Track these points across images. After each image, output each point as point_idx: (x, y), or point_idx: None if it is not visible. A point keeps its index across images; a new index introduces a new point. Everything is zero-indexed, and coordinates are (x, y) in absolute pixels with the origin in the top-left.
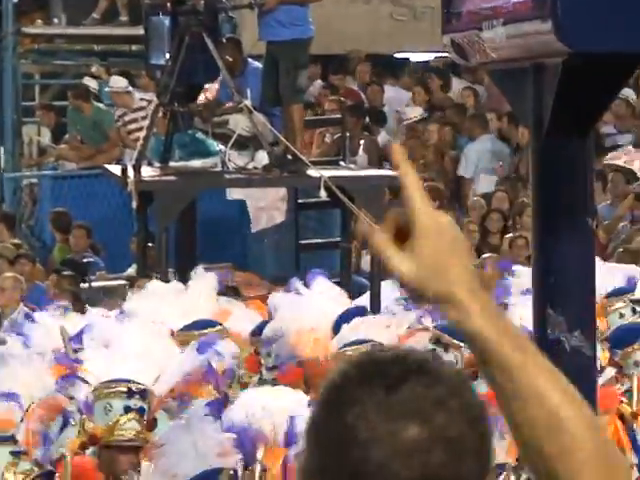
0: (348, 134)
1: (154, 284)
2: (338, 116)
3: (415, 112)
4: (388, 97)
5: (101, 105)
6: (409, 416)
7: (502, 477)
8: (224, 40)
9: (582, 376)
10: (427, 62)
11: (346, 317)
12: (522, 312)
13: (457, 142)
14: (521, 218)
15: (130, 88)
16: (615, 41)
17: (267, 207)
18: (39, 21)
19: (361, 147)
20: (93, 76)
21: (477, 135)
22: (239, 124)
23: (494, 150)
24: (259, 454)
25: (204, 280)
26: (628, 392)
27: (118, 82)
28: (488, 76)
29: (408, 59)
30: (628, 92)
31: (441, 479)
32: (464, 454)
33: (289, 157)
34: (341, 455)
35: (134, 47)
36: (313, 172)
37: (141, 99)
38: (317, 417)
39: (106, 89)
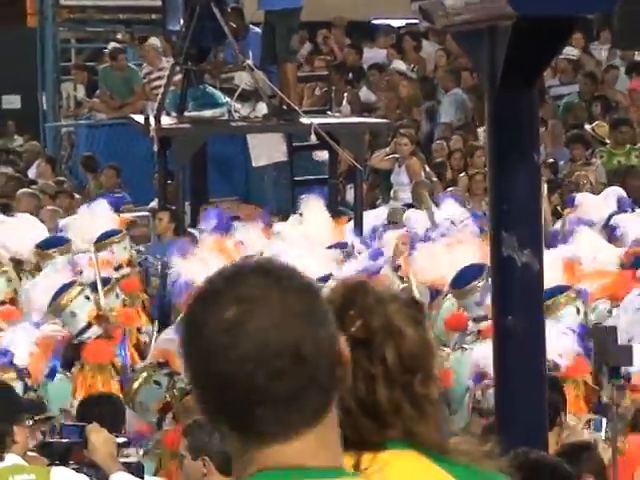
0: (334, 88)
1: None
2: (325, 73)
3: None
4: (366, 57)
5: (131, 65)
6: (227, 301)
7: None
8: (229, 9)
9: (530, 289)
10: (400, 27)
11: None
12: None
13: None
14: (472, 158)
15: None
16: (555, 7)
17: (267, 147)
18: None
19: (345, 99)
20: (118, 41)
21: (450, 89)
22: (242, 80)
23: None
24: None
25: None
26: None
27: (154, 42)
28: (451, 37)
29: (384, 24)
30: (570, 50)
31: (268, 343)
32: (286, 317)
33: (284, 107)
34: (189, 345)
35: (154, 16)
36: (305, 120)
37: (167, 61)
38: (180, 322)
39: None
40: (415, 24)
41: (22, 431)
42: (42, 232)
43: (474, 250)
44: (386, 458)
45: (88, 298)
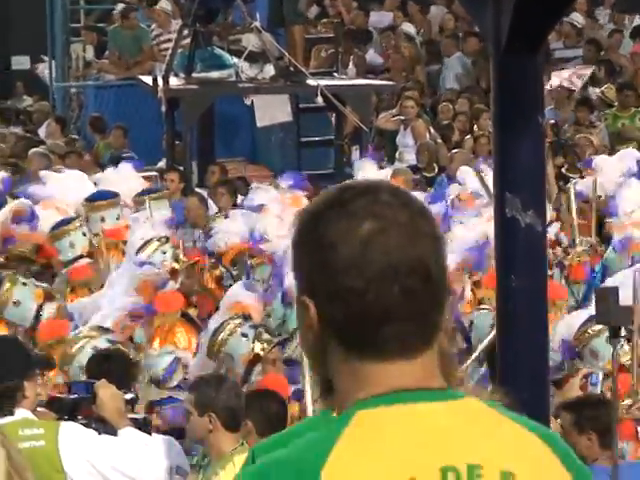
0: (340, 50)
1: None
2: (332, 35)
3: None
4: (373, 20)
5: (142, 25)
6: (362, 216)
7: None
8: None
9: (534, 249)
10: None
11: None
12: None
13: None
14: (478, 121)
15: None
16: None
17: (272, 108)
18: None
19: (351, 61)
20: (127, 3)
21: (452, 53)
22: (250, 42)
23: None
24: None
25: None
26: None
27: (164, 5)
28: (458, 1)
29: None
30: (575, 16)
31: (402, 261)
32: (416, 236)
33: (291, 69)
34: (316, 255)
35: None
36: (311, 82)
37: (176, 23)
38: (298, 233)
39: (155, 7)
40: None
41: (32, 386)
42: (89, 186)
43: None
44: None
45: (164, 253)
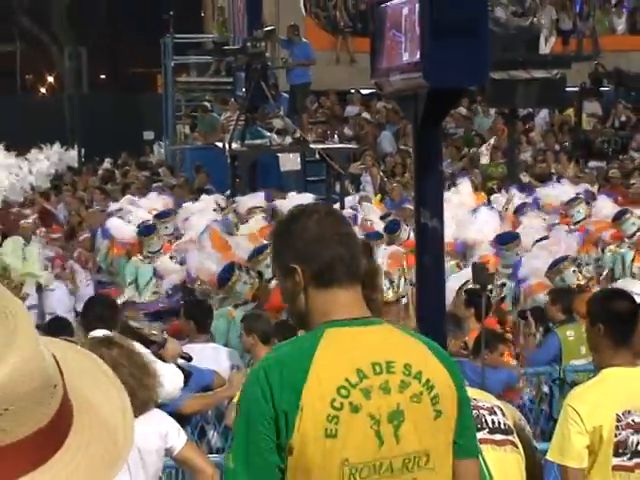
0: (329, 128)
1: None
2: (324, 119)
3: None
4: (348, 110)
5: (214, 114)
6: (311, 223)
7: None
8: (270, 84)
9: (436, 241)
10: (366, 94)
11: None
12: None
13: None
14: (405, 167)
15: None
16: (450, 81)
17: (290, 161)
18: (184, 75)
19: (335, 134)
20: (209, 101)
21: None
22: (277, 123)
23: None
24: None
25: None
26: None
27: (231, 104)
28: (394, 99)
29: (357, 92)
30: (460, 109)
31: (335, 234)
32: (339, 228)
33: (301, 139)
34: (295, 241)
35: (229, 87)
36: (312, 146)
37: (236, 112)
38: (281, 230)
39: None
40: (374, 92)
41: None
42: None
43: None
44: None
45: None
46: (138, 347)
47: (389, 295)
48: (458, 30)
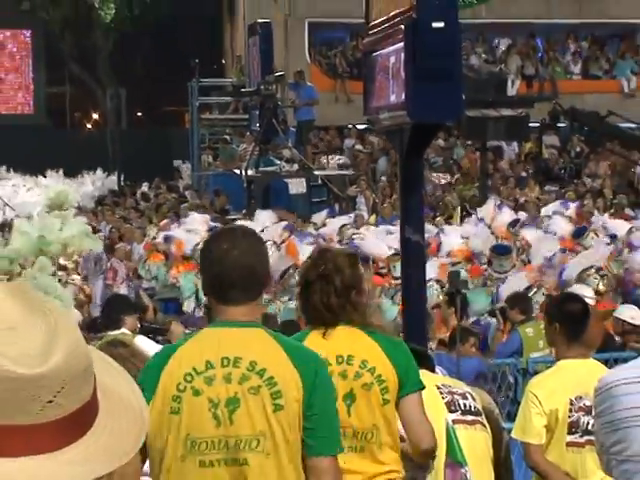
0: (329, 156)
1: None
2: (326, 150)
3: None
4: (345, 142)
5: (233, 145)
6: (227, 242)
7: None
8: (280, 120)
9: (418, 253)
10: (361, 129)
11: None
12: None
13: None
14: (393, 190)
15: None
16: (429, 118)
17: (297, 185)
18: (207, 112)
19: (335, 161)
20: (229, 134)
21: (382, 156)
22: (286, 153)
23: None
24: None
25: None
26: None
27: (248, 135)
28: (383, 133)
29: (354, 127)
30: (439, 141)
31: (246, 266)
32: (248, 251)
33: (306, 167)
34: (204, 261)
35: (245, 123)
36: (316, 172)
37: (251, 144)
38: (202, 247)
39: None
40: (368, 127)
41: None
42: None
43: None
44: (338, 329)
45: None
46: (142, 346)
47: (439, 298)
48: (436, 75)
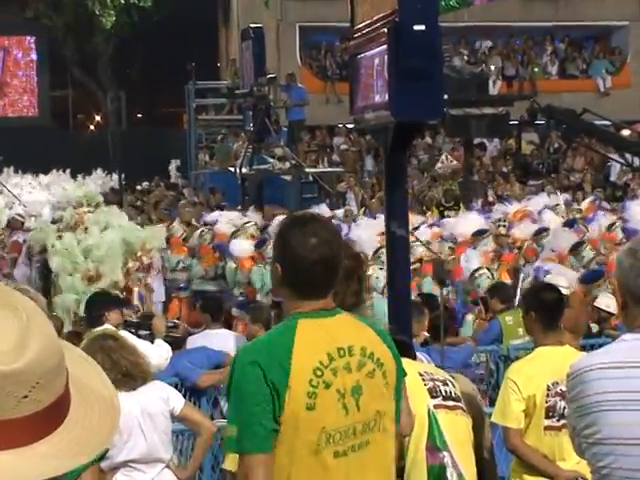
0: (319, 155)
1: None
2: (316, 149)
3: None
4: (335, 140)
5: (229, 144)
6: (313, 235)
7: None
8: (273, 120)
9: (403, 246)
10: (350, 128)
11: None
12: None
13: None
14: (381, 186)
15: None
16: (413, 116)
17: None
18: (204, 113)
19: (325, 160)
20: (224, 134)
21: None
22: (278, 152)
23: None
24: None
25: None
26: None
27: (241, 137)
28: (367, 131)
29: (343, 126)
30: (427, 139)
31: (331, 258)
32: (330, 245)
33: (297, 164)
34: (285, 253)
35: (240, 123)
36: (307, 169)
37: (245, 142)
38: (277, 235)
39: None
40: (354, 127)
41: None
42: None
43: None
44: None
45: None
46: (128, 337)
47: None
48: (418, 76)
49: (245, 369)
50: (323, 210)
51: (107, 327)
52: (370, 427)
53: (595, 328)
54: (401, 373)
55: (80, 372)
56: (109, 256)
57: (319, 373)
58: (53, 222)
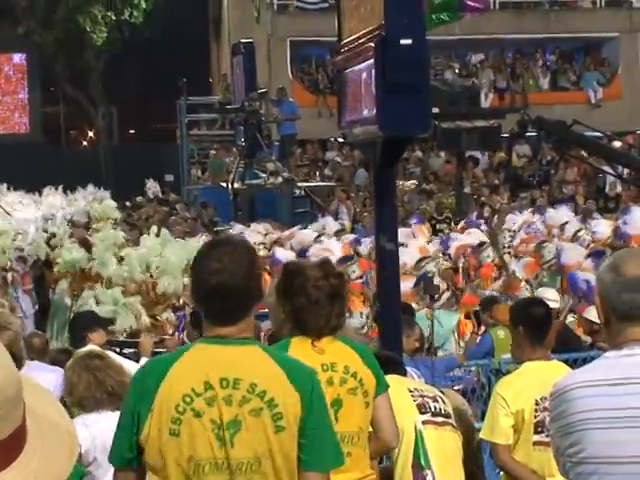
0: (312, 170)
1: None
2: (308, 163)
3: None
4: (327, 155)
5: (222, 159)
6: (216, 260)
7: None
8: (264, 134)
9: (393, 260)
10: (341, 142)
11: None
12: None
13: None
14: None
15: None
16: (401, 131)
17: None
18: (196, 129)
19: (317, 174)
20: (216, 149)
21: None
22: (270, 166)
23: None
24: None
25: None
26: None
27: (233, 152)
28: (355, 146)
29: (335, 140)
30: (417, 153)
31: (232, 286)
32: (247, 277)
33: (289, 179)
34: (192, 276)
35: (231, 138)
36: (299, 184)
37: (237, 157)
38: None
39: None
40: (345, 141)
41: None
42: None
43: None
44: (324, 340)
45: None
46: (113, 357)
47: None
48: (405, 89)
49: (130, 383)
50: (330, 224)
51: (92, 347)
52: (248, 468)
53: (587, 339)
54: (311, 420)
55: (34, 402)
56: (168, 272)
57: (188, 400)
58: (47, 240)
